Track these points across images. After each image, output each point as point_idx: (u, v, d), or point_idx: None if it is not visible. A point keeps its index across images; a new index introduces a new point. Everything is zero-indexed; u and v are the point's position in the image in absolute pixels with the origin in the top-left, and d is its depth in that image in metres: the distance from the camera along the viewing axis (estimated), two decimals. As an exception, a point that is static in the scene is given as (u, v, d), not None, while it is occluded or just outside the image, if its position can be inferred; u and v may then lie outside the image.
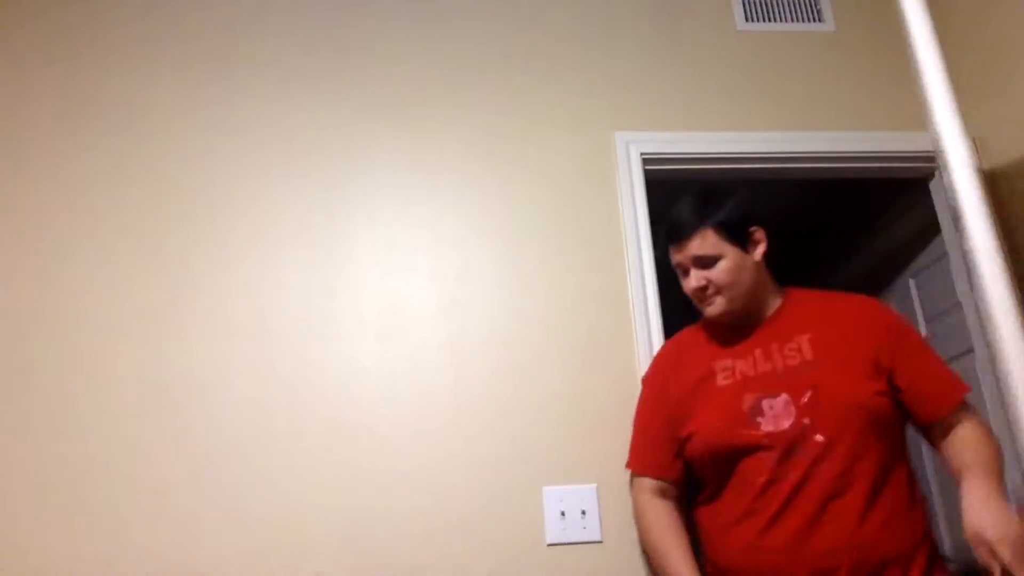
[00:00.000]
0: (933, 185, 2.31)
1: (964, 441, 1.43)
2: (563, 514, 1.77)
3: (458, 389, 1.89)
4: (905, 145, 2.25)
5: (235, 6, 2.25)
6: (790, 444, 1.43)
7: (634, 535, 1.76)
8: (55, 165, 2.02)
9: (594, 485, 1.81)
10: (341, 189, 2.07)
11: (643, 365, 1.91)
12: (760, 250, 1.57)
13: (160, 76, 2.15)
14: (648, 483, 1.64)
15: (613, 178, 2.13)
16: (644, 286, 2.00)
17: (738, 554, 1.44)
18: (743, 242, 1.55)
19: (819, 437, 1.42)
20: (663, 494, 1.63)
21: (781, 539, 1.39)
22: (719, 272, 1.54)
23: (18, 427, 1.77)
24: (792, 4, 2.45)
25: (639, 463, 1.68)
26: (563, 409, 1.88)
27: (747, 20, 2.41)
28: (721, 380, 1.55)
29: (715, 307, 1.57)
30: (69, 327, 1.87)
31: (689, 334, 1.72)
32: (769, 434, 1.45)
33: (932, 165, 2.26)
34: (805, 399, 1.45)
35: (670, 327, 1.98)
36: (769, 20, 2.42)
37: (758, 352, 1.56)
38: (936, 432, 1.48)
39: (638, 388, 1.88)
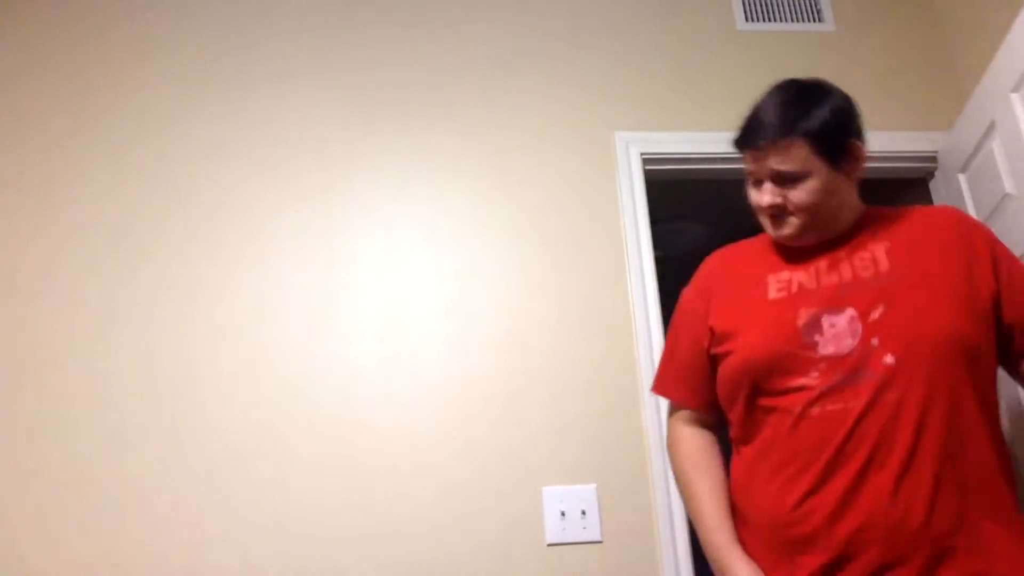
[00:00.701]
0: (933, 185, 2.31)
1: None
2: (563, 514, 1.77)
3: (458, 389, 1.89)
4: (905, 145, 2.25)
5: (235, 8, 2.25)
6: (852, 370, 1.16)
7: (634, 535, 1.76)
8: (55, 165, 2.02)
9: (594, 485, 1.81)
10: (341, 189, 2.07)
11: (643, 365, 1.91)
12: (857, 168, 1.30)
13: (160, 77, 2.15)
14: (681, 410, 1.41)
15: (613, 178, 2.13)
16: (644, 285, 2.00)
17: (771, 518, 1.19)
18: (837, 158, 1.26)
19: (888, 359, 1.15)
20: (699, 422, 1.39)
21: (831, 500, 1.13)
22: (802, 192, 1.26)
23: (17, 427, 1.77)
24: (792, 4, 2.45)
25: (662, 386, 1.44)
26: (563, 409, 1.88)
27: (747, 20, 2.41)
28: (774, 293, 1.28)
29: (787, 229, 1.29)
30: (67, 327, 1.86)
31: (742, 246, 1.44)
32: (827, 358, 1.18)
33: (932, 165, 2.26)
34: (876, 315, 1.18)
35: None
36: (769, 20, 2.42)
37: (823, 263, 1.28)
38: None
39: (639, 388, 1.88)
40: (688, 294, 1.44)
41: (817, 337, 1.20)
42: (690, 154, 2.18)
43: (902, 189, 2.89)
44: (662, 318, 1.98)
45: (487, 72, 2.24)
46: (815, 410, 1.17)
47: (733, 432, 1.33)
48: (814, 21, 2.43)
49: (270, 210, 2.03)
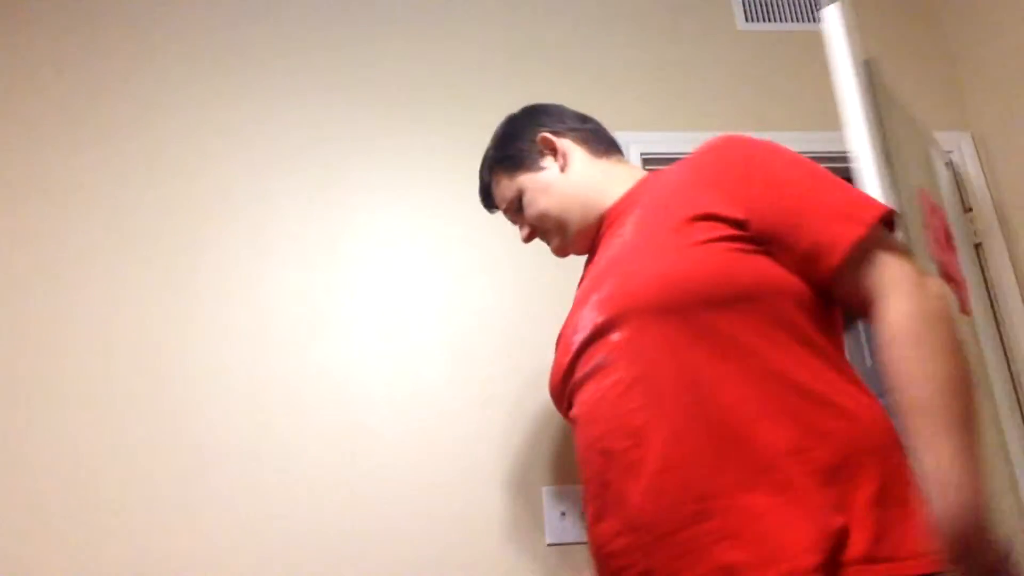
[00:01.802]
0: (933, 185, 2.31)
1: (895, 347, 0.85)
2: (563, 514, 1.77)
3: (458, 389, 1.88)
4: (905, 145, 2.25)
5: (236, 8, 2.25)
6: (589, 352, 1.02)
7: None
8: (53, 163, 2.02)
9: (594, 485, 1.81)
10: (341, 188, 2.07)
11: (643, 365, 1.91)
12: (557, 156, 1.23)
13: (158, 74, 2.15)
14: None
15: (613, 178, 2.13)
16: (644, 286, 2.00)
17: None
18: (530, 162, 1.23)
19: (615, 335, 0.97)
20: None
21: (591, 525, 1.01)
22: (528, 209, 1.24)
23: (16, 427, 1.77)
24: (792, 4, 2.45)
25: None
26: (563, 409, 1.88)
27: (747, 20, 2.41)
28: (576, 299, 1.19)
29: (555, 247, 1.26)
30: (66, 327, 1.86)
31: None
32: (578, 350, 1.05)
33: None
34: (603, 293, 1.02)
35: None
36: (769, 20, 2.42)
37: (597, 254, 1.19)
38: (856, 305, 0.94)
39: (638, 388, 1.88)
40: None
41: (574, 336, 1.07)
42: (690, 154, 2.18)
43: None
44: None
45: (488, 72, 2.24)
46: (576, 410, 1.05)
47: None
48: (814, 21, 2.43)
49: (270, 210, 2.03)
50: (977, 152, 2.28)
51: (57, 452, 1.75)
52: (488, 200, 1.37)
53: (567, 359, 1.08)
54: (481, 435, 1.85)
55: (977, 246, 2.19)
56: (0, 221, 1.96)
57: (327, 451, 1.80)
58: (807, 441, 0.85)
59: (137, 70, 2.15)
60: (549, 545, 1.76)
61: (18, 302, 1.88)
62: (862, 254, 0.91)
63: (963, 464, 0.78)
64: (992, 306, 2.13)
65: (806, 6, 2.45)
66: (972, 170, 2.25)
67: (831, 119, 2.29)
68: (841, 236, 0.91)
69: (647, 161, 2.16)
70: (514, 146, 1.26)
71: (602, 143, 1.28)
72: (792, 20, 2.43)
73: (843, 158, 2.23)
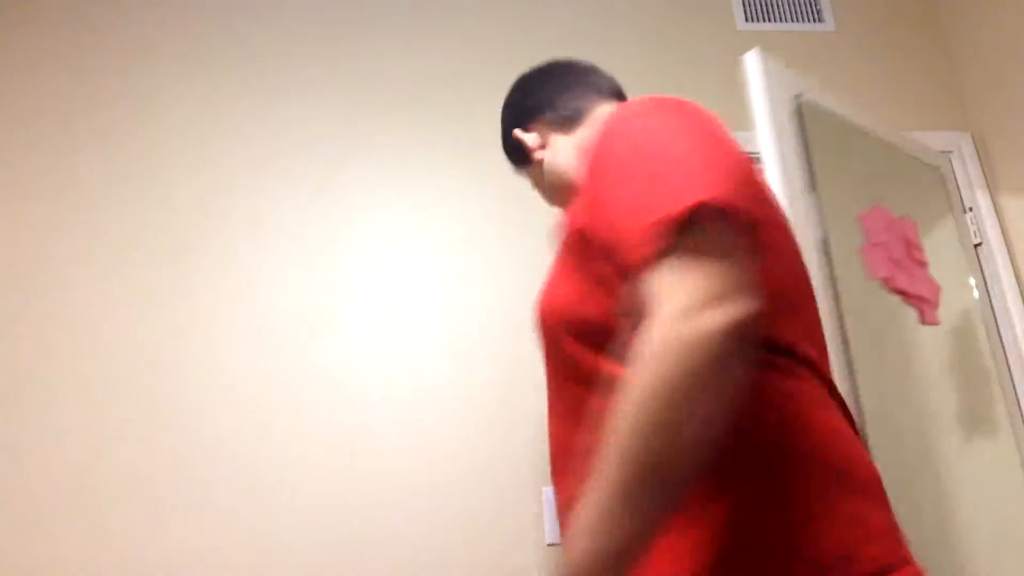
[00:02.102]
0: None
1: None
2: (563, 514, 1.77)
3: (458, 389, 1.89)
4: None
5: (236, 8, 2.25)
6: None
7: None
8: (51, 162, 2.02)
9: (594, 485, 1.81)
10: (341, 188, 2.07)
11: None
12: (534, 153, 1.16)
13: (158, 74, 2.15)
14: None
15: (613, 178, 2.13)
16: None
17: None
18: (522, 156, 1.19)
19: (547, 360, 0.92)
20: None
21: None
22: (529, 173, 1.23)
23: (15, 427, 1.77)
24: (792, 4, 2.45)
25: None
26: (563, 409, 1.88)
27: (747, 20, 2.41)
28: None
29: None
30: (66, 327, 1.86)
31: None
32: None
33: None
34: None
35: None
36: (769, 20, 2.42)
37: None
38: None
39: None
40: None
41: None
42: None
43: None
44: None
45: (487, 71, 2.24)
46: None
47: None
48: (814, 21, 2.43)
49: (270, 209, 2.03)
50: (977, 152, 2.28)
51: (56, 452, 1.75)
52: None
53: None
54: (481, 435, 1.85)
55: (977, 246, 2.19)
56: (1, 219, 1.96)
57: (326, 451, 1.80)
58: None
59: (135, 67, 2.15)
60: (549, 545, 1.76)
61: (16, 301, 1.88)
62: (640, 272, 0.70)
63: (603, 514, 0.65)
64: (992, 306, 2.13)
65: (806, 6, 2.45)
66: (972, 170, 2.25)
67: (831, 119, 2.29)
68: (625, 260, 0.72)
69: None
70: (507, 144, 1.23)
71: (572, 114, 1.14)
72: (792, 20, 2.43)
73: (843, 158, 2.23)
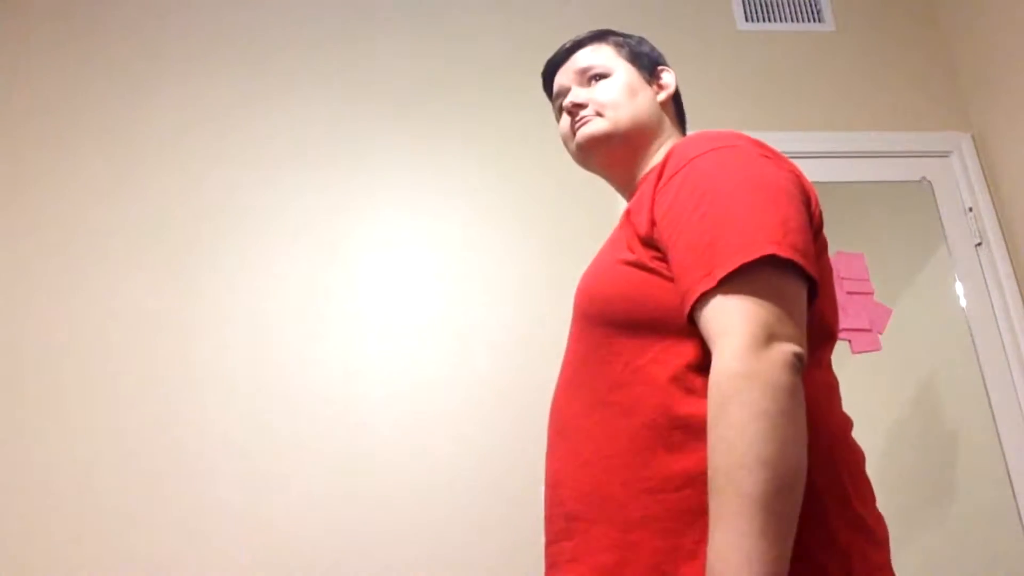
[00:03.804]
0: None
1: (709, 408, 0.75)
2: (563, 514, 1.77)
3: (458, 388, 1.89)
4: (905, 145, 2.25)
5: (237, 9, 2.25)
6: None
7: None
8: (56, 164, 2.02)
9: (594, 485, 1.81)
10: (341, 189, 2.07)
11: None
12: (665, 91, 1.16)
13: (161, 76, 2.15)
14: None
15: (613, 178, 2.13)
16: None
17: None
18: (645, 70, 1.16)
19: (571, 348, 0.99)
20: None
21: None
22: (605, 88, 1.12)
23: (15, 426, 1.77)
24: (792, 4, 2.45)
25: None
26: (563, 409, 1.88)
27: (747, 20, 2.41)
28: None
29: (588, 127, 1.09)
30: (67, 326, 1.86)
31: None
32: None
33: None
34: (579, 299, 1.01)
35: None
36: (769, 20, 2.42)
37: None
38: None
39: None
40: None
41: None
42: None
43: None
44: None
45: (488, 72, 2.24)
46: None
47: None
48: (814, 21, 2.43)
49: (271, 210, 2.03)
50: (977, 152, 2.28)
51: (54, 450, 1.75)
52: (561, 55, 1.21)
53: None
54: (480, 434, 1.85)
55: (977, 246, 2.19)
56: (1, 219, 1.96)
57: (327, 450, 1.80)
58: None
59: (135, 69, 2.15)
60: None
61: (17, 301, 1.88)
62: (706, 304, 0.78)
63: (745, 555, 0.67)
64: (992, 306, 2.13)
65: (806, 6, 2.45)
66: (972, 170, 2.25)
67: (831, 119, 2.29)
68: (691, 289, 0.79)
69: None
70: (644, 51, 1.19)
71: (682, 115, 1.25)
72: (792, 20, 2.43)
73: (844, 156, 2.23)
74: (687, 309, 0.79)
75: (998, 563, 1.96)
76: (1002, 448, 1.99)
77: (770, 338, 0.74)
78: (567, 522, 0.87)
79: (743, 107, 2.28)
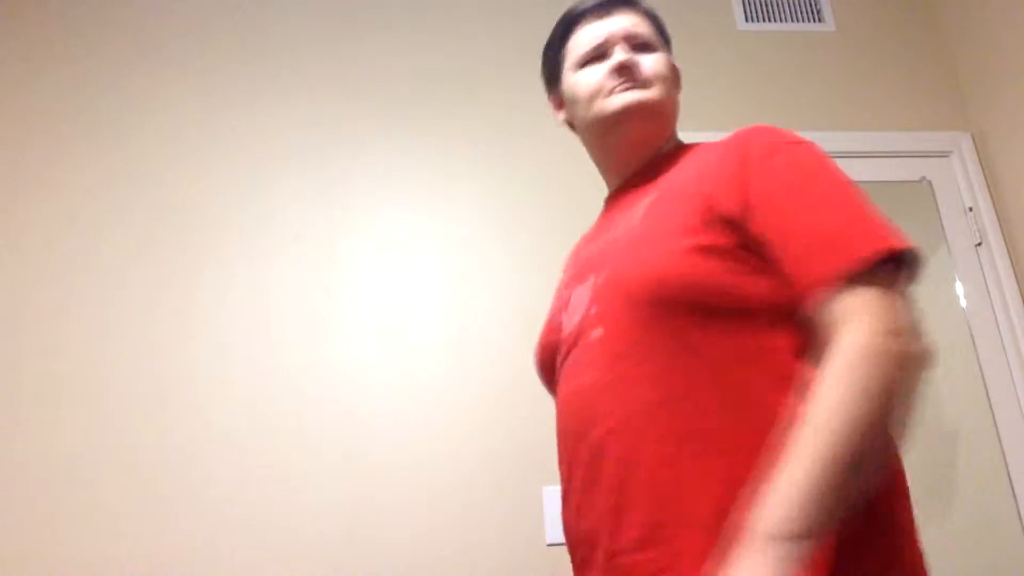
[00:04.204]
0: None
1: (822, 371, 0.74)
2: (563, 514, 1.77)
3: (458, 388, 1.89)
4: (905, 145, 2.25)
5: (235, 10, 2.25)
6: (569, 351, 0.94)
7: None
8: (55, 167, 2.02)
9: (594, 485, 1.81)
10: (341, 189, 2.07)
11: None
12: (679, 91, 1.16)
13: (159, 78, 2.15)
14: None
15: (613, 178, 2.13)
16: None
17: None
18: (665, 45, 1.14)
19: (597, 331, 0.89)
20: None
21: (568, 517, 0.94)
22: (654, 61, 1.05)
23: (16, 425, 1.77)
24: (792, 4, 2.45)
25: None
26: (563, 409, 1.88)
27: (747, 20, 2.41)
28: (561, 288, 1.08)
29: (639, 93, 1.02)
30: (67, 327, 1.86)
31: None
32: (568, 334, 0.95)
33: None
34: (600, 279, 0.93)
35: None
36: (769, 20, 2.42)
37: (602, 228, 1.08)
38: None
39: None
40: None
41: (564, 316, 0.98)
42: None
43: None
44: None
45: (488, 73, 2.24)
46: (559, 400, 0.96)
47: None
48: (814, 21, 2.43)
49: (270, 210, 2.03)
50: (977, 152, 2.28)
51: (55, 450, 1.75)
52: (605, 7, 1.11)
53: (555, 336, 1.00)
54: (480, 434, 1.85)
55: (977, 246, 2.19)
56: (1, 219, 1.96)
57: (326, 451, 1.80)
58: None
59: (137, 73, 2.15)
60: (549, 545, 1.76)
61: (19, 301, 1.88)
62: (844, 290, 0.77)
63: (809, 492, 0.67)
64: (992, 306, 2.13)
65: (806, 6, 2.45)
66: (972, 170, 2.25)
67: (831, 119, 2.29)
68: (819, 275, 0.78)
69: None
70: (667, 38, 1.14)
71: None
72: (792, 20, 2.43)
73: (844, 156, 2.23)
74: (817, 291, 0.78)
75: (998, 563, 1.96)
76: (1002, 448, 1.99)
77: (911, 330, 0.76)
78: (647, 531, 0.78)
79: (743, 107, 2.28)
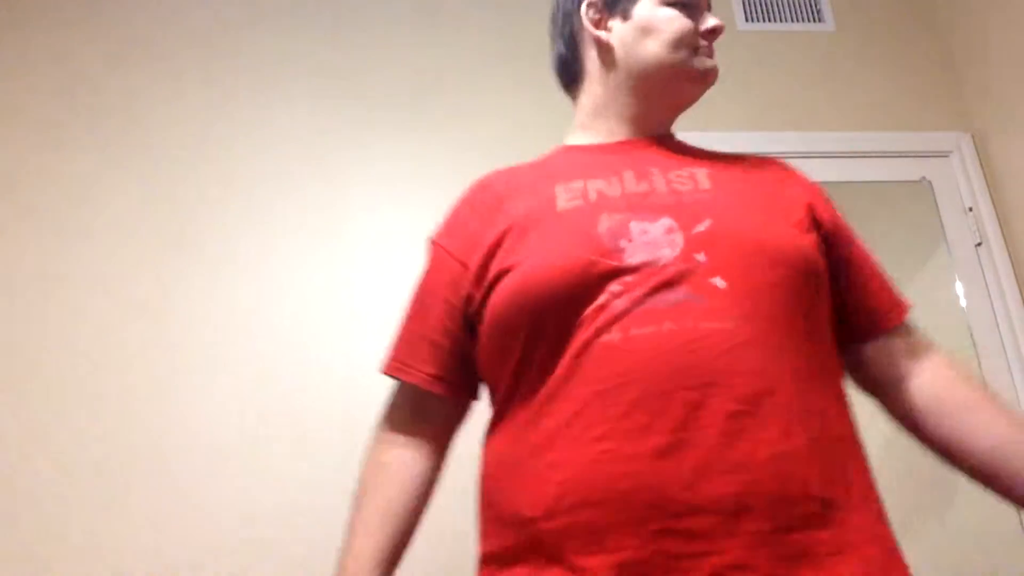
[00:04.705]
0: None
1: (973, 384, 0.93)
2: (563, 514, 1.77)
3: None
4: (905, 145, 2.25)
5: (235, 11, 2.25)
6: (668, 285, 0.83)
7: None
8: (57, 161, 2.02)
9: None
10: (341, 187, 2.07)
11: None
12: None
13: (160, 75, 2.14)
14: (408, 401, 1.08)
15: (613, 178, 2.13)
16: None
17: (579, 483, 0.78)
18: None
19: (718, 280, 0.84)
20: (422, 433, 1.08)
21: (688, 463, 0.76)
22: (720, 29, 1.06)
23: (15, 424, 1.77)
24: (792, 4, 2.45)
25: (397, 362, 1.08)
26: (563, 409, 1.88)
27: (747, 20, 2.41)
28: (564, 203, 0.95)
29: (714, 64, 1.05)
30: (68, 324, 1.86)
31: (518, 167, 1.11)
32: (637, 268, 0.85)
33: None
34: (702, 227, 0.88)
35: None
36: (769, 20, 2.42)
37: (628, 174, 0.98)
38: (875, 354, 0.95)
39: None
40: (448, 234, 1.08)
41: (624, 243, 0.87)
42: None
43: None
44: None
45: (487, 74, 2.24)
46: (615, 335, 0.82)
47: (497, 405, 0.98)
48: (814, 21, 2.43)
49: (270, 210, 2.03)
50: (977, 152, 2.28)
51: (55, 448, 1.75)
52: None
53: (596, 258, 0.86)
54: (480, 433, 1.85)
55: (977, 246, 2.19)
56: (0, 219, 1.96)
57: (327, 450, 1.80)
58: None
59: (139, 71, 2.15)
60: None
61: (19, 300, 1.88)
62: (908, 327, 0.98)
63: None
64: (992, 306, 2.13)
65: (806, 6, 2.45)
66: (972, 170, 2.25)
67: (831, 119, 2.29)
68: (900, 305, 0.99)
69: (647, 161, 2.16)
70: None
71: None
72: (792, 20, 2.43)
73: (844, 156, 2.23)
74: (900, 315, 0.98)
75: (998, 563, 1.96)
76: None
77: None
78: (819, 507, 0.75)
79: (743, 107, 2.28)
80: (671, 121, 1.11)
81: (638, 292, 0.83)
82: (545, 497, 0.80)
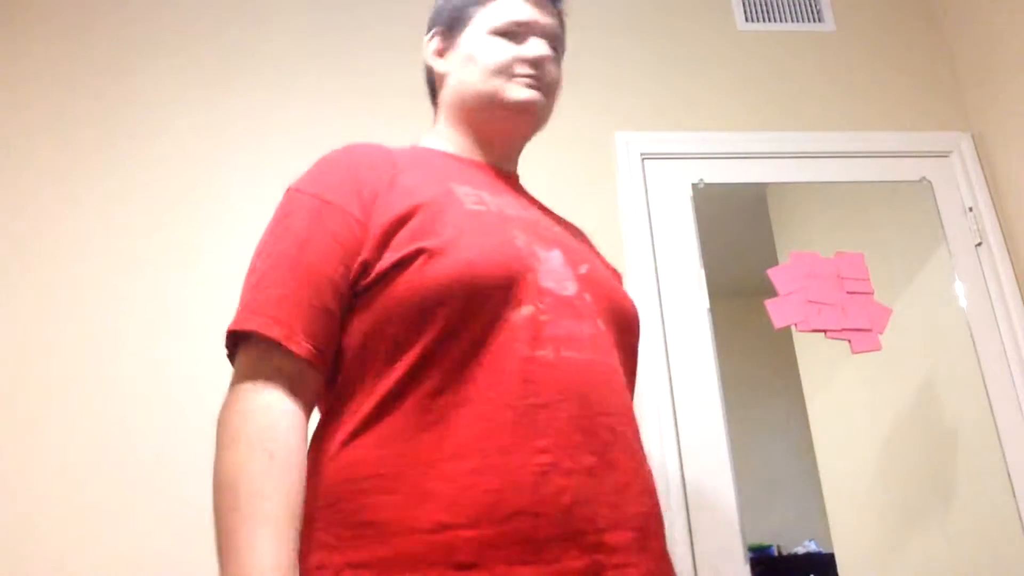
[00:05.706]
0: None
1: None
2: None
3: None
4: (905, 145, 2.25)
5: (235, 11, 2.25)
6: (577, 318, 0.89)
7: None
8: (52, 161, 2.02)
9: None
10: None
11: (642, 359, 1.90)
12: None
13: (159, 73, 2.14)
14: (284, 365, 0.93)
15: (613, 178, 2.13)
16: (644, 284, 2.00)
17: (518, 492, 0.77)
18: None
19: (601, 324, 0.92)
20: (298, 392, 0.93)
21: (580, 478, 0.81)
22: (557, 70, 1.08)
23: (15, 423, 1.77)
24: (792, 4, 2.45)
25: (283, 326, 0.91)
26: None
27: (747, 20, 2.41)
28: (471, 204, 0.93)
29: (536, 94, 1.02)
30: (65, 323, 1.86)
31: (406, 150, 1.06)
32: (551, 292, 0.88)
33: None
34: (583, 270, 0.95)
35: (668, 322, 1.98)
36: (769, 20, 2.42)
37: (509, 196, 1.01)
38: None
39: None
40: (342, 186, 0.97)
41: (535, 264, 0.89)
42: (691, 154, 2.18)
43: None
44: (662, 316, 1.98)
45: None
46: (548, 353, 0.84)
47: (358, 400, 0.88)
48: (814, 21, 2.43)
49: (269, 209, 2.02)
50: (977, 152, 2.28)
51: (54, 448, 1.75)
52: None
53: (514, 259, 0.88)
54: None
55: (977, 246, 2.19)
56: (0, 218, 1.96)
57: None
58: None
59: (138, 70, 2.14)
60: (549, 545, 1.76)
61: (19, 298, 1.88)
62: None
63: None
64: (992, 306, 2.13)
65: (806, 6, 2.45)
66: (972, 170, 2.25)
67: (831, 119, 2.29)
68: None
69: (647, 160, 2.16)
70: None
71: None
72: (792, 20, 2.43)
73: (844, 156, 2.23)
74: None
75: (998, 563, 1.96)
76: (1002, 448, 1.99)
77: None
78: (641, 533, 0.84)
79: (743, 107, 2.28)
80: (511, 156, 1.11)
81: (558, 316, 0.87)
82: (471, 504, 0.76)
